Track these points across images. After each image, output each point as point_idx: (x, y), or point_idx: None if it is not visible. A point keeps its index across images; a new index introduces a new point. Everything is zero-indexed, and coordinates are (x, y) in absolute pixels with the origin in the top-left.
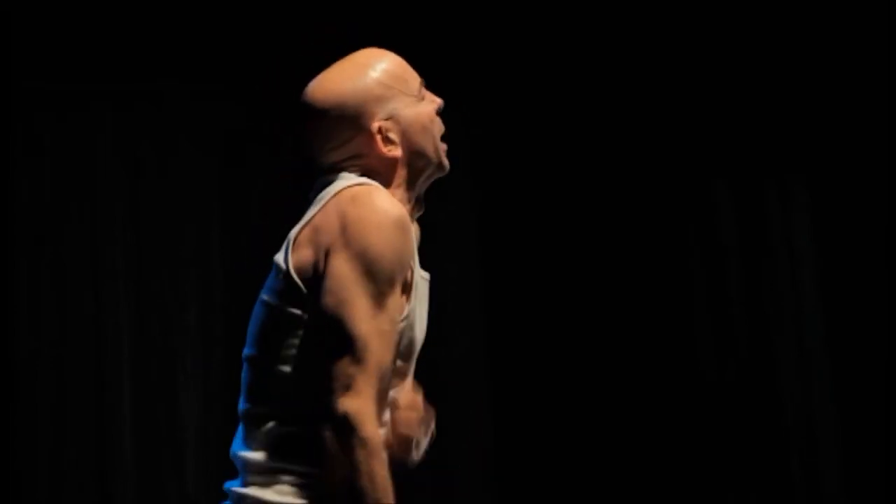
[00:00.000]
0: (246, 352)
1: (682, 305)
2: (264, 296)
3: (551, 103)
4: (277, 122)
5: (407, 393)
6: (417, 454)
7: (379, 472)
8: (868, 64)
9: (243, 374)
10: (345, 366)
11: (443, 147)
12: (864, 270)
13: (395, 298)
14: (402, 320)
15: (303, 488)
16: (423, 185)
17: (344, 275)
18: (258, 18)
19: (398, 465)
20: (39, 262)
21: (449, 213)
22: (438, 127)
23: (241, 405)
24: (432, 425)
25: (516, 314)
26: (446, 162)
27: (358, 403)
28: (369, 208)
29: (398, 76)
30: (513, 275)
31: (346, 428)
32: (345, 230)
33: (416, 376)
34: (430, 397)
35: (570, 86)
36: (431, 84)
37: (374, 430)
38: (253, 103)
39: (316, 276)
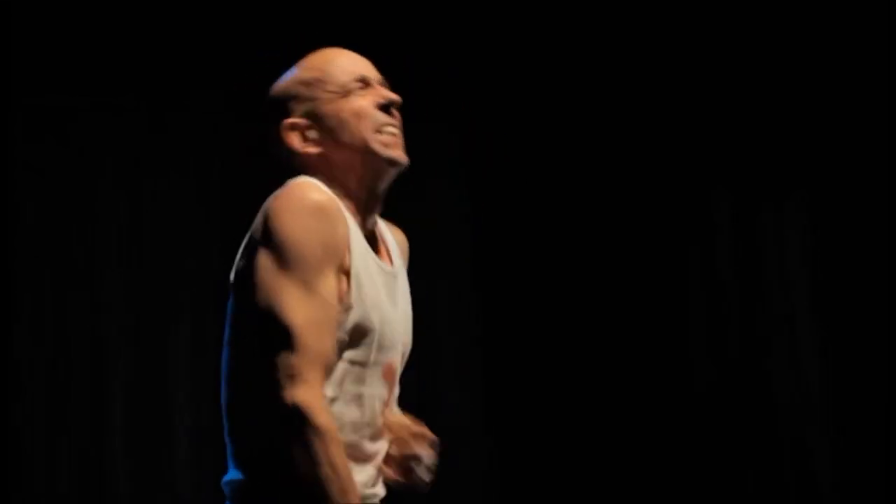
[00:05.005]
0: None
1: (677, 308)
2: (226, 321)
3: (551, 110)
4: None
5: (400, 417)
6: (425, 475)
7: (339, 458)
8: (869, 78)
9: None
10: (285, 357)
11: (388, 139)
12: (860, 277)
13: (327, 284)
14: (346, 309)
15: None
16: (373, 181)
17: (267, 267)
18: (258, 29)
19: (407, 489)
20: (41, 265)
21: (442, 220)
22: (374, 120)
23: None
24: (433, 449)
25: (512, 319)
26: (392, 153)
27: (305, 392)
28: (287, 199)
29: (322, 72)
30: (508, 282)
31: (298, 418)
32: (265, 225)
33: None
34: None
35: (570, 96)
36: (428, 91)
37: (328, 418)
38: (253, 114)
39: (250, 277)
